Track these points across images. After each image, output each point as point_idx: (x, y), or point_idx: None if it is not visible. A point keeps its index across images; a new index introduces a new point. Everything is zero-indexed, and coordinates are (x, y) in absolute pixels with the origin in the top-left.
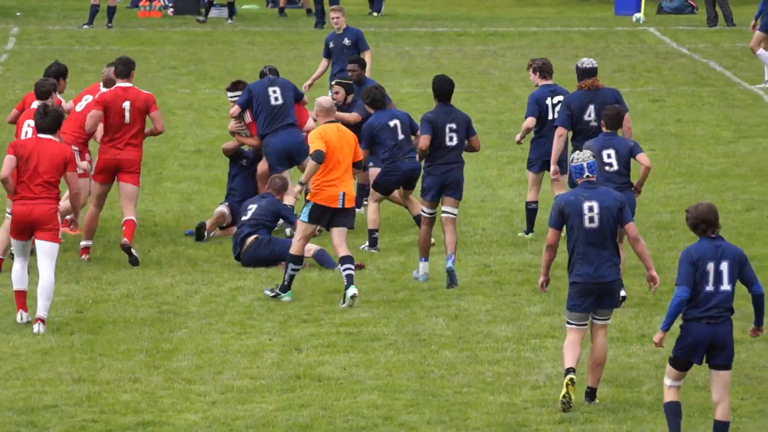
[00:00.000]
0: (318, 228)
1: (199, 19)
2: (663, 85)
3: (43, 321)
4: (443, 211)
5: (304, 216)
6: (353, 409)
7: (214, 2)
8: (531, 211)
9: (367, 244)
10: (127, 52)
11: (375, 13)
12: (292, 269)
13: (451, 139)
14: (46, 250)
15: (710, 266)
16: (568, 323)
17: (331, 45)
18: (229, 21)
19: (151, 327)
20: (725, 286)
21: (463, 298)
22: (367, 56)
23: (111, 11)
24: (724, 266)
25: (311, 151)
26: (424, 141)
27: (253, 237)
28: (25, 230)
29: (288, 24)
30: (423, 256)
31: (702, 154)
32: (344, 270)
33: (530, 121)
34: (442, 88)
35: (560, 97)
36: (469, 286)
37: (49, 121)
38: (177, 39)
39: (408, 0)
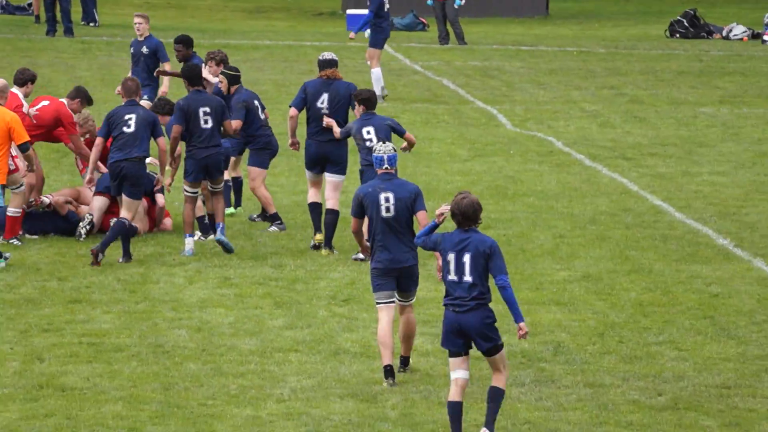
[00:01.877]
0: None
1: None
2: (398, 102)
3: None
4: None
5: None
6: (98, 419)
7: None
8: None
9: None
10: None
11: (91, 24)
12: None
13: (206, 122)
14: None
15: (451, 257)
16: (377, 303)
17: (132, 50)
18: None
19: None
20: (467, 277)
21: (205, 311)
22: (167, 66)
23: None
24: (467, 258)
25: None
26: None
27: None
28: None
29: (19, 31)
30: (189, 232)
31: (438, 172)
32: None
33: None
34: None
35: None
36: (211, 298)
37: None
38: None
39: (140, 11)
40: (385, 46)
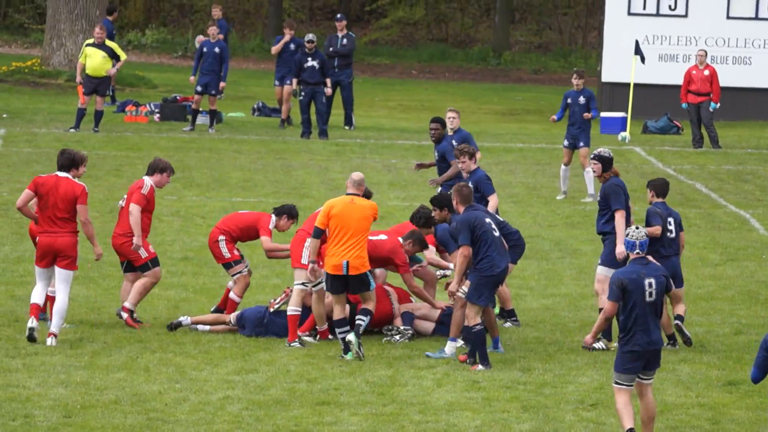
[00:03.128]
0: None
1: (185, 129)
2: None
3: (55, 336)
4: None
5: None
6: None
7: (201, 109)
8: None
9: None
10: (113, 157)
11: (347, 127)
12: (339, 332)
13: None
14: (62, 276)
15: None
16: (619, 384)
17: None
18: (211, 130)
19: None
20: None
21: (452, 414)
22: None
23: (98, 116)
24: None
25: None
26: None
27: None
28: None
29: (274, 133)
30: (454, 335)
31: (689, 276)
32: (356, 319)
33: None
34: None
35: None
36: (458, 401)
37: (64, 159)
38: (163, 145)
39: (394, 113)
40: (638, 149)
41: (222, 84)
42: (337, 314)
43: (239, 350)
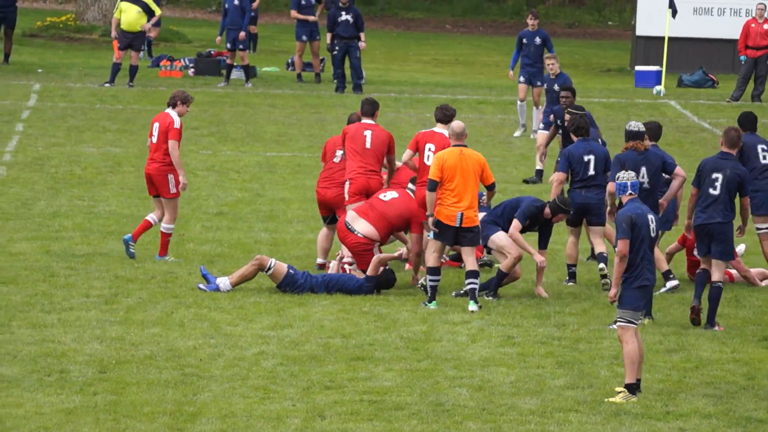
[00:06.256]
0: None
1: (220, 85)
2: (685, 159)
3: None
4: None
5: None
6: None
7: (235, 64)
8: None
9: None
10: (147, 112)
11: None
12: (430, 280)
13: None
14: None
15: None
16: (632, 323)
17: (546, 87)
18: (248, 85)
19: (174, 389)
20: None
21: (487, 369)
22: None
23: (133, 70)
24: None
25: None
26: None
27: None
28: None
29: (308, 88)
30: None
31: None
32: (467, 284)
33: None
34: None
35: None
36: (493, 357)
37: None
38: (198, 99)
39: (428, 67)
40: (673, 103)
41: (241, 33)
42: (433, 262)
43: (274, 306)
